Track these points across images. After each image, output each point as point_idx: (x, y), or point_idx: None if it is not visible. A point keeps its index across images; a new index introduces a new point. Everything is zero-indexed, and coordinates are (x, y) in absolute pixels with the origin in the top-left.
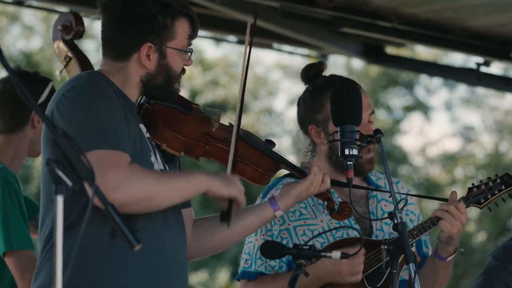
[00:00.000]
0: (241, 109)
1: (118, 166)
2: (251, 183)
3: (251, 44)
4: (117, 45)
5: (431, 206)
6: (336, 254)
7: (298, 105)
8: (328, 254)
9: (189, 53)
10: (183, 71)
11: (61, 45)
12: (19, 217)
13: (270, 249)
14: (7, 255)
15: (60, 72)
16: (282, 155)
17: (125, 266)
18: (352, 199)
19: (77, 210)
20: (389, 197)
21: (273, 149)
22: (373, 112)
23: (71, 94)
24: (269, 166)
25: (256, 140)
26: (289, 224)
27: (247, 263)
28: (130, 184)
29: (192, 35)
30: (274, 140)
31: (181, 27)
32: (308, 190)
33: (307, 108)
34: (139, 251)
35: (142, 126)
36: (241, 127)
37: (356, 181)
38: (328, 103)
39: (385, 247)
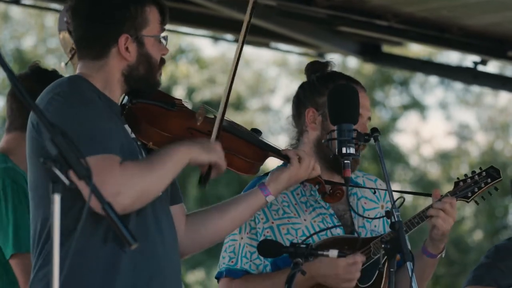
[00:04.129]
0: (229, 94)
1: (111, 171)
2: (240, 173)
3: (245, 34)
4: (93, 44)
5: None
6: (333, 252)
7: (301, 87)
8: (325, 253)
9: (165, 41)
10: (163, 62)
11: (67, 36)
12: (28, 219)
13: (267, 248)
14: (14, 257)
15: (66, 64)
16: (269, 143)
17: (117, 270)
18: None
19: (71, 217)
20: (374, 193)
21: (259, 138)
22: (369, 118)
23: (55, 101)
24: (257, 155)
25: (241, 129)
26: (272, 223)
27: (232, 261)
28: (129, 186)
29: (163, 21)
30: (271, 137)
31: (151, 13)
32: (297, 174)
33: (311, 90)
34: (131, 253)
35: (127, 127)
36: (225, 118)
37: (337, 178)
38: None
39: (382, 245)
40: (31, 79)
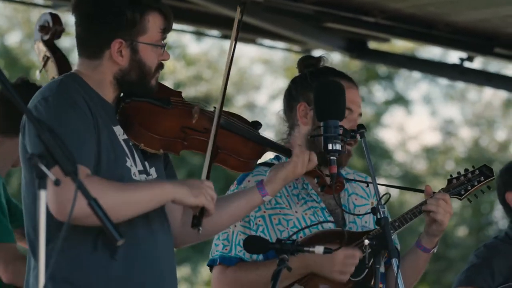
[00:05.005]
0: (223, 98)
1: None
2: (234, 171)
3: (237, 37)
4: (89, 43)
5: (414, 199)
6: (319, 249)
7: (293, 82)
8: (311, 249)
9: (164, 48)
10: (162, 66)
11: (41, 45)
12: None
13: (253, 244)
14: None
15: (40, 71)
16: (267, 137)
17: (109, 276)
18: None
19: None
20: (366, 186)
21: (258, 132)
22: (360, 114)
23: (42, 105)
24: (253, 152)
25: (238, 125)
26: (264, 212)
27: (226, 249)
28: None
29: (166, 28)
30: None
31: (153, 21)
32: (294, 171)
33: (303, 85)
34: (122, 258)
35: (118, 128)
36: (223, 111)
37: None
38: None
39: (368, 242)
40: (21, 90)
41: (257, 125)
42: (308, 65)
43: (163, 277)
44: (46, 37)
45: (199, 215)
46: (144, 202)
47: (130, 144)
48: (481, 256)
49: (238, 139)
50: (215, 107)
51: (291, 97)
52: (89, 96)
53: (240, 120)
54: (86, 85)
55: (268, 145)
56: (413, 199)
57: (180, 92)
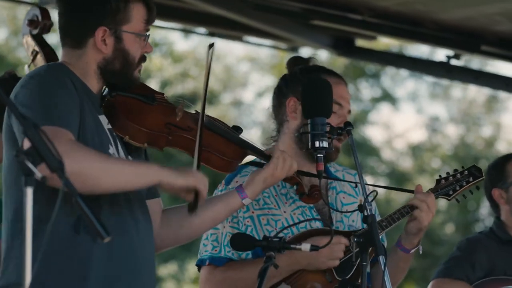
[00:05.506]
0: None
1: (59, 139)
2: (217, 171)
3: (209, 75)
4: (72, 32)
5: (401, 197)
6: (306, 246)
7: (283, 78)
8: (298, 247)
9: (147, 39)
10: (144, 58)
11: (29, 39)
12: None
13: (239, 241)
14: None
15: (28, 66)
16: (249, 141)
17: (89, 261)
18: None
19: (40, 204)
20: (355, 187)
21: (240, 136)
22: (349, 111)
23: (29, 83)
24: (235, 154)
25: (221, 127)
26: (253, 212)
27: (216, 250)
28: (69, 156)
29: (149, 20)
30: (243, 131)
31: (136, 10)
32: (274, 175)
33: (294, 80)
34: (105, 245)
35: (103, 117)
36: (206, 114)
37: (315, 170)
38: None
39: (355, 239)
40: (8, 84)
41: (238, 129)
42: (298, 64)
43: (143, 264)
44: (35, 32)
45: (194, 201)
46: (129, 176)
47: (114, 134)
48: (462, 249)
49: (221, 140)
50: (196, 111)
51: (281, 93)
52: (76, 83)
53: (222, 123)
54: (73, 74)
55: (249, 148)
56: (400, 197)
57: (163, 93)
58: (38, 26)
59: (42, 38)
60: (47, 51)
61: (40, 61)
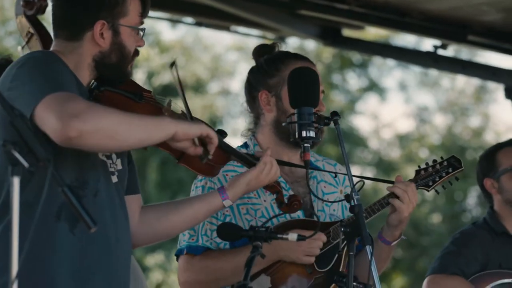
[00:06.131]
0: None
1: (77, 99)
2: (199, 174)
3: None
4: (69, 25)
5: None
6: (293, 236)
7: (251, 72)
8: (284, 236)
9: (142, 33)
10: (137, 53)
11: (23, 20)
12: None
13: (226, 231)
14: None
15: (22, 47)
16: (232, 146)
17: (67, 249)
18: (293, 179)
19: (28, 191)
20: (335, 177)
21: (223, 140)
22: (323, 91)
23: (27, 62)
24: (220, 158)
25: None
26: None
27: (193, 239)
28: (92, 112)
29: (144, 13)
30: (231, 121)
31: (133, 4)
32: (257, 178)
33: (261, 72)
34: (82, 235)
35: None
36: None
37: (296, 159)
38: (284, 68)
39: (341, 229)
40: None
41: (222, 133)
42: (263, 53)
43: (119, 256)
44: (30, 12)
45: (205, 151)
46: (148, 131)
47: None
48: (456, 243)
49: None
50: (182, 111)
51: (251, 87)
52: (68, 74)
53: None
54: (65, 64)
55: (233, 153)
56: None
57: (151, 91)
58: (34, 7)
59: (37, 19)
60: (43, 33)
61: (34, 43)
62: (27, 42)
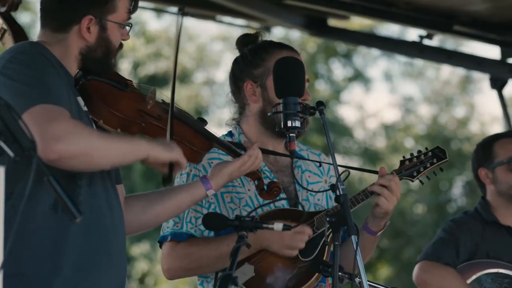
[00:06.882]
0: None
1: (61, 118)
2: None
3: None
4: (57, 17)
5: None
6: (278, 225)
7: (235, 62)
8: (270, 226)
9: (128, 28)
10: (121, 46)
11: None
12: None
13: (212, 221)
14: None
15: None
16: (215, 134)
17: (65, 240)
18: (278, 168)
19: (22, 179)
20: (319, 166)
21: (205, 128)
22: (308, 80)
23: (16, 59)
24: (203, 145)
25: (190, 118)
26: None
27: (177, 226)
28: (73, 136)
29: (132, 9)
30: (216, 111)
31: (122, 1)
32: (240, 169)
33: (246, 63)
34: (81, 225)
35: (80, 99)
36: (175, 105)
37: (281, 148)
38: (269, 58)
39: (327, 219)
40: None
41: (203, 121)
42: (247, 43)
43: (116, 244)
44: (3, 9)
45: (169, 173)
46: (123, 153)
47: (90, 117)
48: (448, 231)
49: (190, 131)
50: (163, 100)
51: (236, 78)
52: (56, 64)
53: (189, 115)
54: (51, 55)
55: (216, 141)
56: (373, 177)
57: (132, 81)
58: (6, 3)
59: (10, 15)
60: (16, 29)
61: (8, 39)
62: (1, 39)
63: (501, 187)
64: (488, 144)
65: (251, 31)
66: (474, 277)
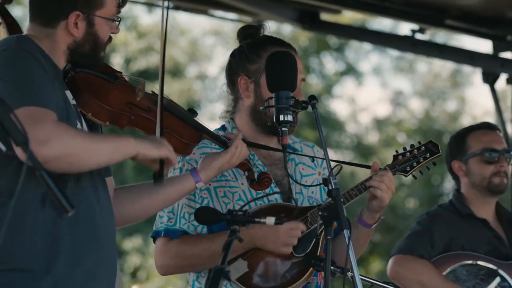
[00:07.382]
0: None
1: (45, 121)
2: (175, 153)
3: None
4: (45, 12)
5: (366, 172)
6: (271, 220)
7: (232, 56)
8: (262, 220)
9: (117, 22)
10: (110, 39)
11: None
12: None
13: (205, 215)
14: None
15: None
16: (205, 125)
17: (55, 235)
18: (271, 161)
19: (8, 176)
20: (312, 161)
21: (195, 119)
22: (303, 79)
23: (3, 55)
24: (192, 137)
25: (179, 109)
26: (209, 184)
27: (171, 221)
28: (58, 139)
29: (121, 3)
30: (208, 105)
31: None
32: (229, 162)
33: (242, 57)
34: (70, 219)
35: (68, 93)
36: (164, 96)
37: (273, 143)
38: (266, 55)
39: (319, 213)
40: None
41: (193, 112)
42: (248, 35)
43: (106, 238)
44: None
45: (160, 170)
46: (110, 152)
47: (78, 111)
48: (422, 224)
49: (179, 122)
50: (153, 91)
51: (232, 71)
52: (44, 58)
53: (179, 106)
54: (40, 48)
55: (206, 132)
56: (365, 171)
57: (121, 72)
58: None
59: (5, 8)
60: (10, 21)
61: (2, 32)
62: None
63: (474, 179)
64: (462, 136)
65: (242, 25)
66: (449, 269)
